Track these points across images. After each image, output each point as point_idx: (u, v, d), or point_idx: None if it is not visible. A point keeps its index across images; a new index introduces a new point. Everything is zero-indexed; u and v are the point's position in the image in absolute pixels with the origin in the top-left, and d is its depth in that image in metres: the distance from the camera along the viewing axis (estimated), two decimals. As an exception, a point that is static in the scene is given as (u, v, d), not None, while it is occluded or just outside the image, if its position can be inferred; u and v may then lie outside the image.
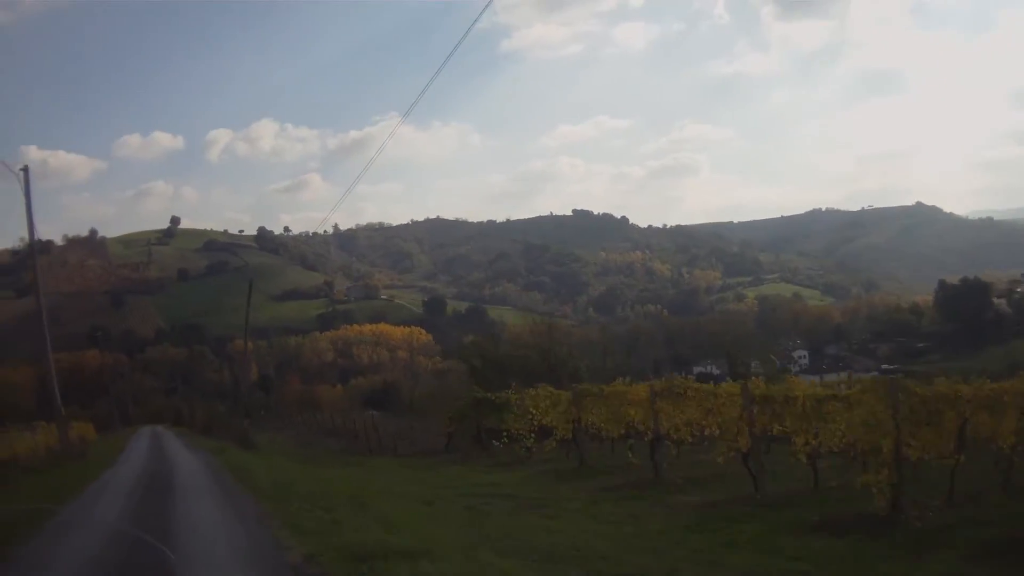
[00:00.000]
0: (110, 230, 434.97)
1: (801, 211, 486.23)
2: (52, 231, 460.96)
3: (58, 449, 41.50)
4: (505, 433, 30.89)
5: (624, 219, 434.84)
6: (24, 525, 16.64)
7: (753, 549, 13.10)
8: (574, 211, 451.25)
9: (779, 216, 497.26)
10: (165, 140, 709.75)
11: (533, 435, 29.70)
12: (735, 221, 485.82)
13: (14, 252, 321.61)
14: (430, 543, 12.73)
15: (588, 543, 13.69)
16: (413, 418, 59.22)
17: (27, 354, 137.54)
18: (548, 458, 28.55)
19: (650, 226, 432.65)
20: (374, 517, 16.04)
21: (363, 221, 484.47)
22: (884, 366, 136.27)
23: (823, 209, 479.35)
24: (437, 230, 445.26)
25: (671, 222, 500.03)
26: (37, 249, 37.54)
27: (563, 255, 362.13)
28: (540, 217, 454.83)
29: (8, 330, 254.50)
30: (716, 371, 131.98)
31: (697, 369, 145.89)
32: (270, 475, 27.07)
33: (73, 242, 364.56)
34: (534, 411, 29.39)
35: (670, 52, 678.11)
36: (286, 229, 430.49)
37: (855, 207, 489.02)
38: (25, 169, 36.53)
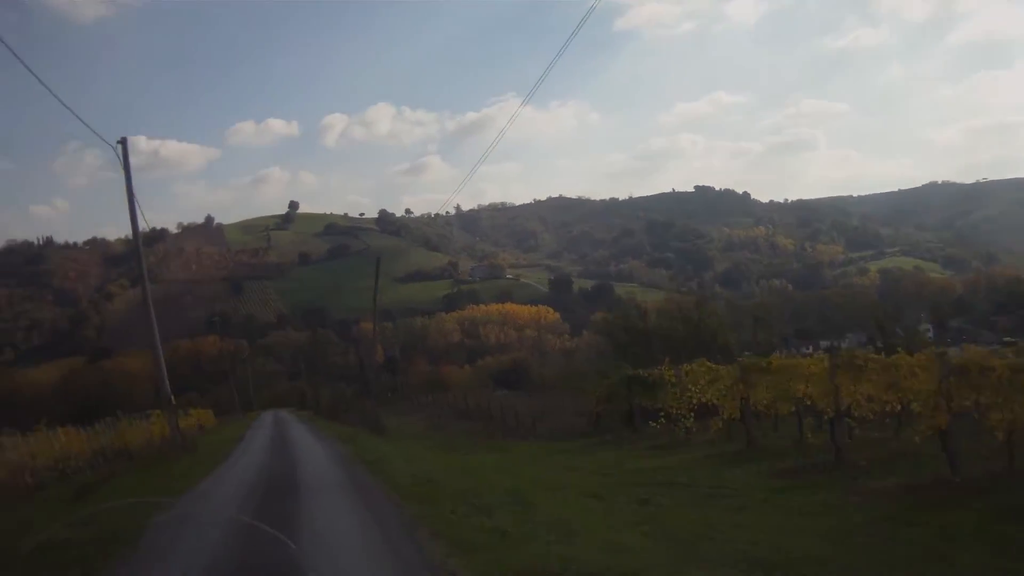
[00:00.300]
0: (227, 217, 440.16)
1: (917, 184, 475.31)
2: (167, 220, 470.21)
3: (167, 440, 39.82)
4: (662, 413, 28.44)
5: (746, 194, 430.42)
6: (133, 522, 15.21)
7: (981, 543, 11.18)
8: (696, 187, 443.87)
9: (896, 189, 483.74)
10: (279, 126, 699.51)
11: (692, 414, 27.36)
12: (854, 195, 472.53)
13: (128, 241, 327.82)
14: (623, 559, 10.78)
15: (792, 543, 11.71)
16: (544, 397, 57.00)
17: (145, 343, 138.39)
18: (708, 439, 26.47)
19: (771, 201, 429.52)
20: (544, 521, 13.75)
21: (485, 202, 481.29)
22: (1006, 339, 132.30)
23: (939, 182, 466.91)
24: (560, 209, 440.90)
25: (791, 196, 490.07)
26: (139, 226, 35.60)
27: (687, 231, 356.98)
28: (662, 194, 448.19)
29: (126, 319, 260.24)
30: (842, 344, 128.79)
31: (824, 343, 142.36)
32: (409, 467, 24.75)
33: (188, 229, 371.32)
34: (692, 388, 26.95)
35: (781, 27, 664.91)
36: (408, 211, 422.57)
37: (970, 179, 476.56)
38: (123, 141, 34.96)
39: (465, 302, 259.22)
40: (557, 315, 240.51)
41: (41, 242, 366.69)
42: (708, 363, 27.83)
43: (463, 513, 15.00)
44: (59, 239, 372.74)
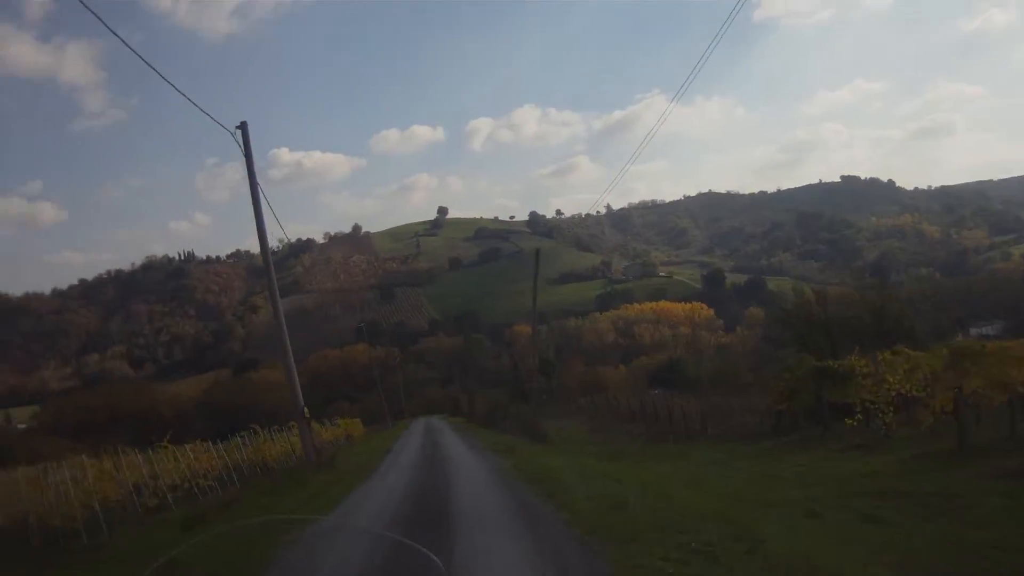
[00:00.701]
0: (374, 225, 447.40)
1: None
2: (312, 231, 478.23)
3: (301, 457, 37.88)
4: (858, 408, 25.41)
5: (891, 183, 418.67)
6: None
7: None
8: (842, 177, 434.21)
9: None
10: (424, 133, 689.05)
11: (892, 409, 24.25)
12: (994, 179, 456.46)
13: (272, 253, 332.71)
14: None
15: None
16: (702, 395, 53.44)
17: (295, 353, 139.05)
18: (907, 436, 23.45)
19: (916, 188, 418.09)
20: (785, 565, 10.30)
21: (635, 200, 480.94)
22: None
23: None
24: (709, 204, 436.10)
25: (934, 183, 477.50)
26: (263, 217, 33.25)
27: (835, 222, 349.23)
28: (809, 185, 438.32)
29: (271, 331, 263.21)
30: (991, 332, 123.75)
31: (973, 331, 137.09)
32: (585, 485, 20.12)
33: (335, 239, 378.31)
34: (890, 379, 23.68)
35: (915, 11, 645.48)
36: (558, 212, 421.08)
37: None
38: (242, 126, 32.56)
39: (619, 301, 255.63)
40: (711, 311, 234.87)
41: (182, 257, 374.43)
42: (907, 350, 24.27)
43: (678, 559, 11.14)
44: (200, 254, 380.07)
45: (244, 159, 33.43)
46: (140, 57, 25.71)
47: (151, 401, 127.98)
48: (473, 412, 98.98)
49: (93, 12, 19.49)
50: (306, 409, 34.16)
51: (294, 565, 13.53)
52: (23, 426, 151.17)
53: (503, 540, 14.42)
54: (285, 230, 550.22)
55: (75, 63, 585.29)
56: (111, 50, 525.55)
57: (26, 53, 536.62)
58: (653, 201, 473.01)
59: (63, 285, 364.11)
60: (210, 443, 37.87)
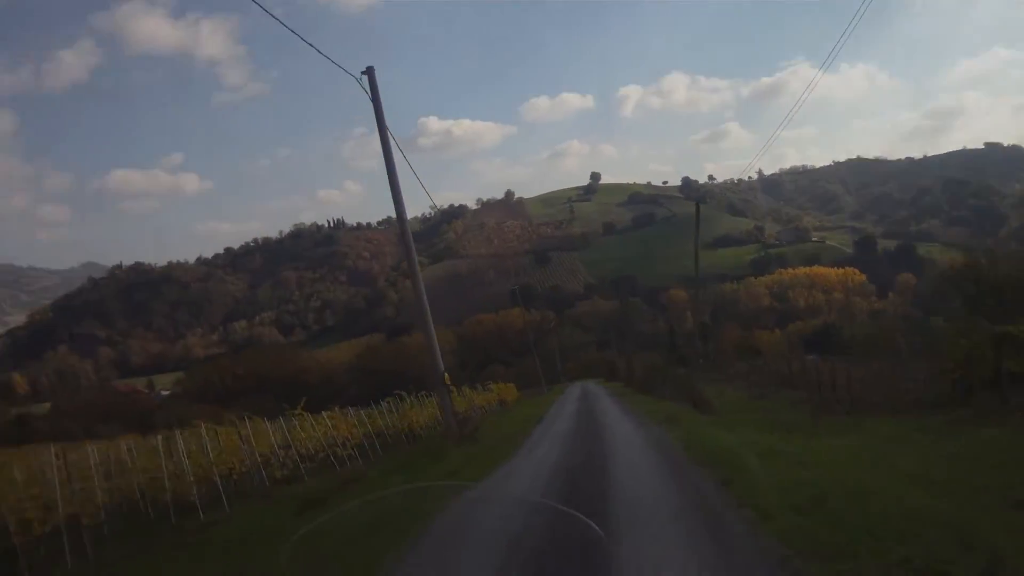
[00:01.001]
0: (526, 192, 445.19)
1: None
2: (464, 197, 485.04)
3: (442, 427, 35.16)
4: None
5: None
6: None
7: None
8: (985, 144, 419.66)
9: None
10: (574, 100, 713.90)
11: None
12: None
13: (424, 220, 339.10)
14: None
15: None
16: (857, 362, 50.11)
17: (445, 319, 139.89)
18: None
19: None
20: None
21: (786, 165, 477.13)
22: None
23: None
24: (858, 170, 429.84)
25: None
26: (394, 166, 31.47)
27: (982, 188, 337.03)
28: (954, 152, 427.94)
29: (429, 295, 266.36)
30: None
31: None
32: (770, 470, 16.30)
33: (488, 205, 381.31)
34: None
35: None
36: (710, 177, 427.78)
37: None
38: (368, 71, 31.09)
39: (773, 266, 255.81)
40: (863, 277, 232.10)
41: (332, 224, 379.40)
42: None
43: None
44: (350, 221, 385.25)
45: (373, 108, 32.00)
46: (279, 20, 24.39)
47: (299, 367, 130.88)
48: (631, 376, 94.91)
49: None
50: (447, 375, 31.83)
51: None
52: (166, 392, 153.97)
53: (675, 547, 11.35)
54: (435, 198, 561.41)
55: (212, 39, 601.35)
56: (249, 25, 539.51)
57: (162, 30, 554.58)
58: (804, 166, 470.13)
59: (208, 254, 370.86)
60: (350, 409, 37.39)
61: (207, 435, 24.47)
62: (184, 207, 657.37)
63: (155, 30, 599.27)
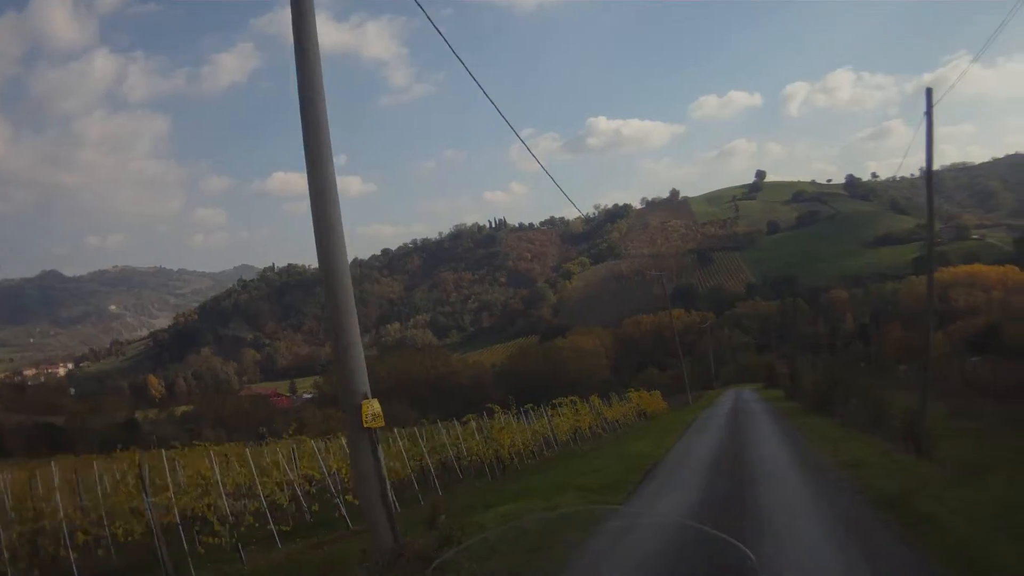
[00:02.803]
0: (693, 191, 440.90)
1: None
2: (631, 197, 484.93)
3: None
4: None
5: None
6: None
7: None
8: None
9: None
10: (742, 98, 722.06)
11: None
12: None
13: (587, 220, 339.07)
14: None
15: None
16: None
17: (602, 319, 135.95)
18: None
19: None
20: None
21: (946, 162, 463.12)
22: None
23: None
24: (1019, 166, 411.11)
25: None
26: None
27: None
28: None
29: (585, 296, 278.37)
30: None
31: None
32: None
33: (653, 204, 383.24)
34: None
35: None
36: (873, 175, 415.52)
37: None
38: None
39: (935, 265, 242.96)
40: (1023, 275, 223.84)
41: (493, 225, 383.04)
42: None
43: None
44: (512, 222, 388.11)
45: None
46: (444, 40, 20.75)
47: (447, 369, 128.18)
48: (796, 387, 73.12)
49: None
50: (368, 404, 13.07)
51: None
52: (308, 395, 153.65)
53: None
54: (602, 198, 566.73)
55: (377, 40, 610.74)
56: (415, 27, 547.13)
57: (326, 31, 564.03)
58: (964, 163, 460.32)
59: (366, 256, 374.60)
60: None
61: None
62: (347, 210, 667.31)
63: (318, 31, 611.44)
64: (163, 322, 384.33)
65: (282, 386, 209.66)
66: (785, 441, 33.41)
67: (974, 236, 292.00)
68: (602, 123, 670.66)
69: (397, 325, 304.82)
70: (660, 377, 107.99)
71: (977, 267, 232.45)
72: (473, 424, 33.87)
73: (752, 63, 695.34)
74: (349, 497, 21.37)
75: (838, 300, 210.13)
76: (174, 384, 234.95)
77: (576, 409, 45.46)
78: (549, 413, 41.85)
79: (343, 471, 23.70)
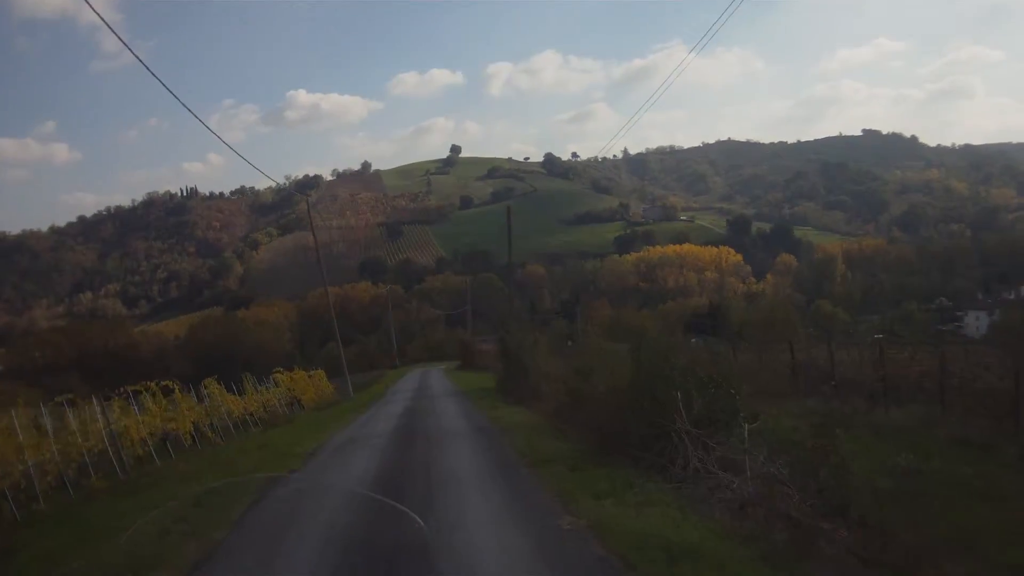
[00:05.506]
0: (386, 164, 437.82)
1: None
2: (324, 170, 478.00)
3: None
4: None
5: (913, 138, 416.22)
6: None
7: None
8: (863, 131, 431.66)
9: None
10: (443, 76, 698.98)
11: None
12: (1012, 142, 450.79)
13: (277, 190, 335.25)
14: None
15: None
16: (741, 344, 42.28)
17: (288, 292, 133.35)
18: None
19: (939, 145, 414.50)
20: None
21: (652, 146, 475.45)
22: None
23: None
24: (728, 152, 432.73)
25: (957, 141, 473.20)
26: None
27: (860, 174, 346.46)
28: (830, 138, 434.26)
29: (272, 267, 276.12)
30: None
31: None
32: None
33: (343, 176, 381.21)
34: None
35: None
36: (574, 155, 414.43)
37: None
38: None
39: (640, 244, 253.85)
40: (739, 257, 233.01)
41: (184, 193, 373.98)
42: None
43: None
44: (204, 190, 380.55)
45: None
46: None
47: (128, 341, 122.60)
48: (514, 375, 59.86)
49: None
50: None
51: None
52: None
53: None
54: (295, 170, 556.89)
55: (94, 2, 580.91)
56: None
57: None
58: (671, 147, 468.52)
59: (62, 223, 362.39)
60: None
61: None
62: (51, 177, 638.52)
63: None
64: None
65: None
66: (481, 436, 26.24)
67: (682, 218, 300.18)
68: (302, 96, 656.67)
69: (90, 294, 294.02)
70: (345, 353, 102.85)
71: (689, 247, 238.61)
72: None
73: (456, 42, 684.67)
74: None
75: (535, 276, 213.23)
76: None
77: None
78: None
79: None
